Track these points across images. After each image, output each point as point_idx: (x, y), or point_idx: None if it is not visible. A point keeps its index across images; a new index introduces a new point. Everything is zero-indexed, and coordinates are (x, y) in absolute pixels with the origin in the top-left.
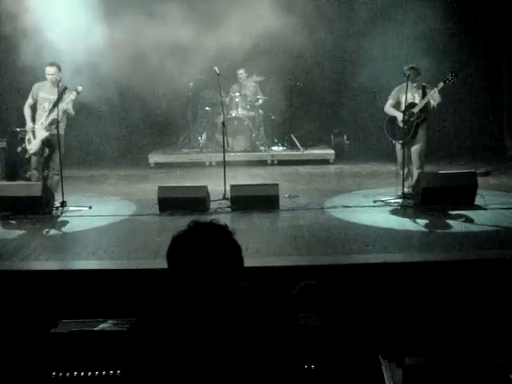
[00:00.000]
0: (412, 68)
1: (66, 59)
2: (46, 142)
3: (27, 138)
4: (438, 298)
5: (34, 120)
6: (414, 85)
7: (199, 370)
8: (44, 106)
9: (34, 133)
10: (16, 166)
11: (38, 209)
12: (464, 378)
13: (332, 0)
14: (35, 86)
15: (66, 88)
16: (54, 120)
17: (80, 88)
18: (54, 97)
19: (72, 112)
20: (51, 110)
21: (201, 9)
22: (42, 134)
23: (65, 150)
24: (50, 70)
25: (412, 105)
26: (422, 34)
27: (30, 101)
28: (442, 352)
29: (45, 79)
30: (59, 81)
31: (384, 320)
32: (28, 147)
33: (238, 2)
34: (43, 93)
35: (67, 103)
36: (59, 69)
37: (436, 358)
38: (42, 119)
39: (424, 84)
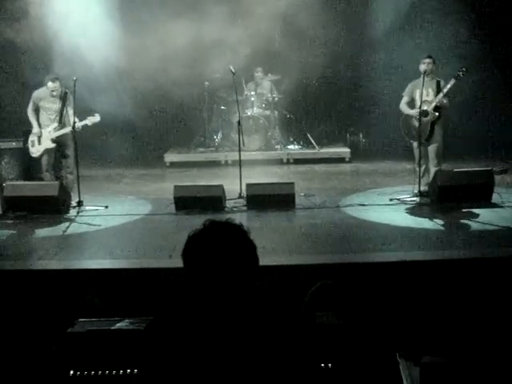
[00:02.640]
0: (427, 57)
1: (84, 61)
2: (58, 141)
3: (31, 139)
4: (455, 297)
5: (39, 124)
6: (428, 78)
7: (216, 369)
8: (49, 115)
9: (39, 138)
10: (32, 166)
11: (54, 208)
12: (482, 376)
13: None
14: (35, 95)
15: (66, 93)
16: (62, 135)
17: (97, 118)
18: (57, 105)
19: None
20: (60, 122)
21: (216, 9)
22: (48, 143)
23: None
24: (53, 85)
25: (426, 103)
26: (442, 37)
27: (31, 107)
28: (460, 350)
29: (41, 87)
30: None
31: (401, 318)
32: (31, 150)
33: (253, 1)
34: (45, 102)
35: (81, 125)
36: (59, 82)
37: (453, 357)
38: (50, 128)
39: (438, 79)
